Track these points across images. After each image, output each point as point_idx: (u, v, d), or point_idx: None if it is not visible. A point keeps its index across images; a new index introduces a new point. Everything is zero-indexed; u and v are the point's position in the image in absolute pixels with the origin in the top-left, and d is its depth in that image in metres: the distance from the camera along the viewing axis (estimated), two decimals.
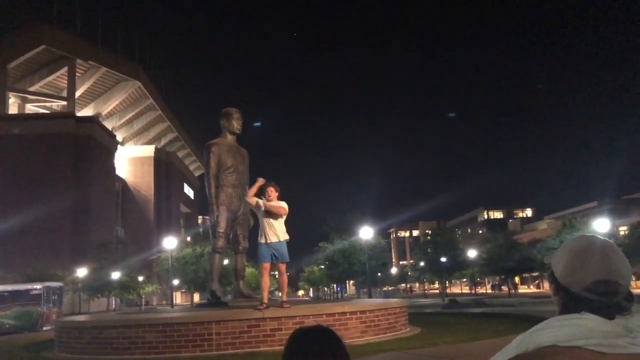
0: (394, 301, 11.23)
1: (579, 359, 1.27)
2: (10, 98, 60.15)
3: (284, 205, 8.71)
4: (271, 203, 8.61)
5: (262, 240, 8.54)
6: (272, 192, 8.75)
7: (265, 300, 8.71)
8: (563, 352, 1.29)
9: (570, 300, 1.37)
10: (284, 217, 8.76)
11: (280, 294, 9.54)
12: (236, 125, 11.12)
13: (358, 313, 9.01)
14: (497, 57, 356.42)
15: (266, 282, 8.76)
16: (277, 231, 8.55)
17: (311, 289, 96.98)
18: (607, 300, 1.31)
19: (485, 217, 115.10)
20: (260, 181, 8.80)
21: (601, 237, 1.46)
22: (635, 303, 1.36)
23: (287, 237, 8.69)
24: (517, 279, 71.85)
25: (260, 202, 8.68)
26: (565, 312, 1.39)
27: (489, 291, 79.66)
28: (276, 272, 9.74)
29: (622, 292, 1.34)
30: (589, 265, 1.35)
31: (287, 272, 9.11)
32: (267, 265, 8.57)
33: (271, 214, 8.58)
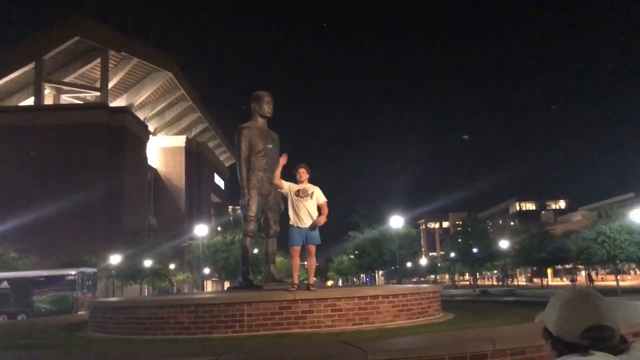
0: (426, 286, 11.08)
1: None
2: (45, 89, 61.43)
3: (325, 206, 8.44)
4: (321, 218, 8.32)
5: (294, 224, 8.39)
6: (304, 173, 8.51)
7: (296, 281, 8.64)
8: None
9: (566, 351, 1.42)
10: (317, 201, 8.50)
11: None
12: (267, 108, 11.00)
13: (390, 297, 8.86)
14: (526, 44, 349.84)
15: (296, 263, 8.67)
16: (310, 215, 8.36)
17: (340, 279, 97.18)
18: (602, 344, 1.38)
19: (517, 208, 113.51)
20: (283, 159, 8.52)
21: (585, 287, 1.61)
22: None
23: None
24: (549, 271, 70.76)
25: (288, 186, 8.47)
26: None
27: (522, 283, 78.67)
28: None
29: (616, 336, 1.41)
30: (578, 314, 1.44)
31: (316, 263, 8.97)
32: (297, 248, 8.48)
33: (304, 197, 8.35)
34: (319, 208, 8.46)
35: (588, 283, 48.53)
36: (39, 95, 59.07)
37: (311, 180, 8.66)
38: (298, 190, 8.40)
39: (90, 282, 31.16)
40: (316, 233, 8.46)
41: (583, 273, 59.92)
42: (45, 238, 47.24)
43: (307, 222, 8.35)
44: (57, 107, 60.00)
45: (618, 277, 37.78)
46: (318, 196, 8.44)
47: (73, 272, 30.34)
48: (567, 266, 63.37)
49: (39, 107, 58.03)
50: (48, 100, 62.53)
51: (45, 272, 31.51)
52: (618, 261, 37.51)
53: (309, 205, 8.38)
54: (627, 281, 57.65)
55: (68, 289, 29.39)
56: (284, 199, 9.49)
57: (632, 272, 67.03)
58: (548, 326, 1.51)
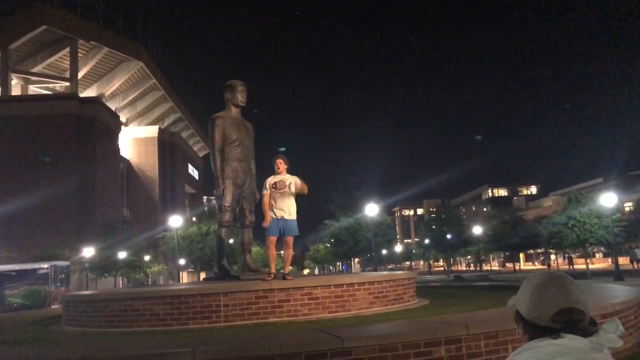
0: (402, 273, 11.19)
1: None
2: (12, 79, 59.94)
3: (305, 185, 8.65)
4: (305, 188, 8.54)
5: (272, 215, 8.43)
6: (282, 164, 8.57)
7: (273, 271, 8.68)
8: None
9: (538, 334, 1.45)
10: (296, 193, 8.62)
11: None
12: (240, 97, 10.93)
13: (366, 284, 8.96)
14: (500, 30, 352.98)
15: (273, 253, 8.72)
16: (289, 207, 8.45)
17: (316, 267, 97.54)
18: (573, 327, 1.41)
19: (490, 194, 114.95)
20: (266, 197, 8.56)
21: (556, 271, 1.64)
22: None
23: (295, 215, 8.58)
24: (521, 255, 71.99)
25: (268, 183, 8.54)
26: None
27: (495, 268, 79.91)
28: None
29: (586, 319, 1.44)
30: (549, 297, 1.46)
31: (292, 252, 9.03)
32: (273, 238, 8.52)
33: (281, 189, 8.43)
34: (297, 197, 8.61)
35: (569, 267, 49.55)
36: (6, 85, 57.57)
37: (290, 171, 8.70)
38: (275, 183, 8.48)
39: (63, 276, 30.68)
40: (294, 224, 8.53)
41: (553, 257, 61.12)
42: (15, 232, 46.37)
43: (283, 214, 8.41)
44: (25, 98, 58.52)
45: (587, 260, 38.66)
46: (296, 182, 8.54)
47: (45, 265, 29.84)
48: (539, 251, 64.56)
49: (6, 97, 56.58)
50: (15, 90, 60.99)
51: (16, 266, 30.93)
52: (588, 245, 38.36)
53: (285, 197, 8.46)
54: (595, 264, 58.99)
55: (41, 282, 28.89)
56: (259, 188, 9.53)
57: (596, 255, 68.54)
58: (520, 310, 1.53)
